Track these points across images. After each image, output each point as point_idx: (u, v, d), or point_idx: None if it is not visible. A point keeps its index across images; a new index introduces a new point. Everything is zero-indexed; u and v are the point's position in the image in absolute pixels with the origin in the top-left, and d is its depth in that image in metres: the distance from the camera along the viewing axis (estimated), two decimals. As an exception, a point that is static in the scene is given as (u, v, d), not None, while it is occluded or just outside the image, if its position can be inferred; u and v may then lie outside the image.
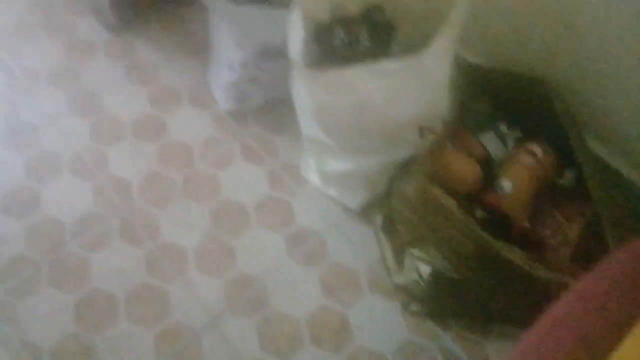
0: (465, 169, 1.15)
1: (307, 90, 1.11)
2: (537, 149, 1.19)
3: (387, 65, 1.00)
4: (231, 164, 1.45)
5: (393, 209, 1.28)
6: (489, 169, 1.21)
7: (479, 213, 1.13)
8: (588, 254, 1.15)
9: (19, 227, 1.30)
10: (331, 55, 1.23)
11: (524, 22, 1.28)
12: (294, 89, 1.19)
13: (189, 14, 1.72)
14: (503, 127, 1.29)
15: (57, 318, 1.19)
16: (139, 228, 1.33)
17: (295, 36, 1.06)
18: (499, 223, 1.13)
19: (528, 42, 1.31)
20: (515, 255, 1.00)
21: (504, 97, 1.29)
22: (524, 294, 1.09)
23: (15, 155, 1.42)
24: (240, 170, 1.44)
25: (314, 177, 1.39)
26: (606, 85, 1.23)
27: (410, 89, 1.02)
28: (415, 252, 1.23)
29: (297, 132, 1.35)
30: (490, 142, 1.28)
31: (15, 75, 1.58)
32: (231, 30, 1.35)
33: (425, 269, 1.21)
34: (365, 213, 1.37)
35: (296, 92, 1.18)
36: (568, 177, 1.22)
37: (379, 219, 1.33)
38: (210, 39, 1.50)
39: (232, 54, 1.38)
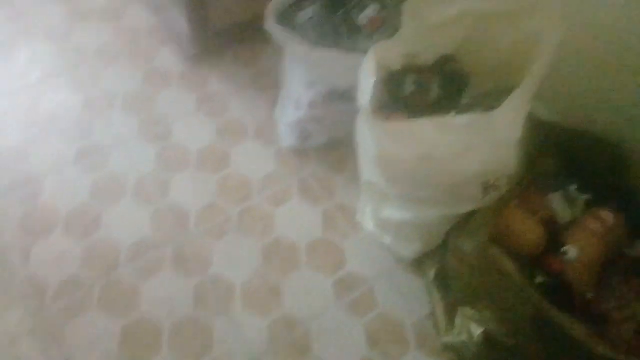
0: (528, 231, 1.10)
1: (372, 137, 1.09)
2: (608, 216, 1.12)
3: (457, 121, 0.97)
4: (288, 202, 1.45)
5: (448, 264, 1.23)
6: (554, 231, 1.14)
7: (540, 278, 1.07)
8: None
9: (78, 247, 1.35)
10: (400, 103, 1.22)
11: (604, 81, 1.23)
12: (358, 133, 1.18)
13: (263, 51, 1.77)
14: (573, 189, 1.22)
15: (102, 342, 1.21)
16: (191, 258, 1.34)
17: (366, 83, 1.06)
18: (560, 290, 1.06)
19: (606, 103, 1.25)
20: (576, 328, 0.93)
21: (576, 158, 1.23)
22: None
23: (83, 175, 1.48)
24: (296, 208, 1.44)
25: (369, 223, 1.37)
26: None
27: (478, 146, 0.99)
28: (468, 311, 1.17)
29: (356, 174, 1.34)
30: (558, 203, 1.21)
31: (94, 97, 1.66)
32: (302, 71, 1.37)
33: (477, 331, 1.15)
34: (418, 265, 1.33)
35: (360, 137, 1.17)
36: (639, 249, 1.14)
37: (432, 273, 1.29)
38: (281, 77, 1.53)
39: (300, 93, 1.40)
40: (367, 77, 1.07)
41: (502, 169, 1.07)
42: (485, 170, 1.05)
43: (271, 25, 1.32)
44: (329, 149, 1.53)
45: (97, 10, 1.92)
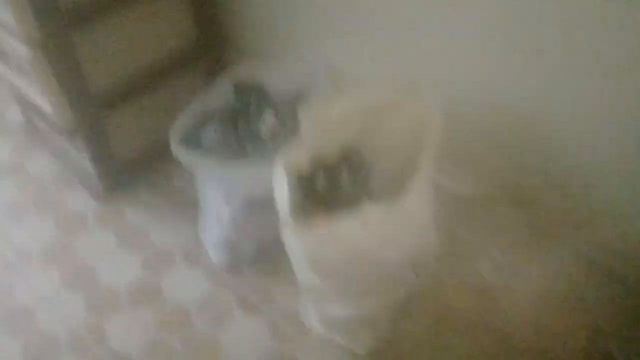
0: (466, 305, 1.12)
1: (298, 244, 1.10)
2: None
3: (372, 213, 1.00)
4: (230, 320, 1.41)
5: (403, 352, 1.23)
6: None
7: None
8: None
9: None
10: (315, 200, 1.24)
11: (494, 143, 1.32)
12: (285, 241, 1.18)
13: (174, 172, 1.76)
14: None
15: None
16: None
17: (281, 193, 1.07)
18: None
19: (501, 161, 1.33)
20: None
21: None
22: None
23: (11, 341, 1.39)
24: (239, 324, 1.40)
25: (315, 324, 1.35)
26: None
27: (398, 232, 1.01)
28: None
29: (292, 276, 1.32)
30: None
31: (7, 257, 1.58)
32: (216, 188, 1.37)
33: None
34: (375, 357, 1.31)
35: (288, 244, 1.17)
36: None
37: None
38: (198, 196, 1.53)
39: (220, 209, 1.39)
40: (280, 188, 1.08)
41: (427, 249, 1.09)
42: (410, 253, 1.07)
43: (176, 148, 1.32)
44: (261, 258, 1.51)
45: (-4, 165, 1.88)
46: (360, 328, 1.26)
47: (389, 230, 1.01)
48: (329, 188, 1.25)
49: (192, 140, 1.38)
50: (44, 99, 1.47)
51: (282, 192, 1.10)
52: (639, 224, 1.20)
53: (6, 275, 1.54)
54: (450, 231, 1.16)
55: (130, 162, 1.71)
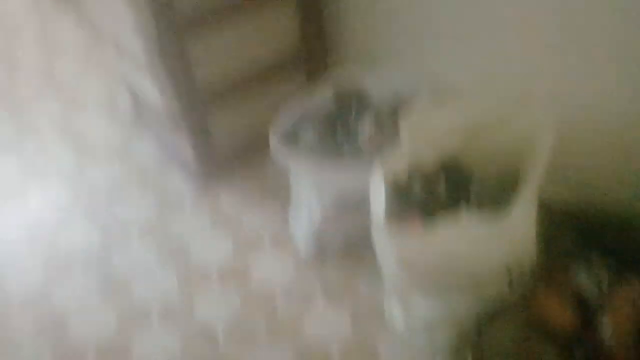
0: (561, 314, 1.11)
1: (391, 248, 1.13)
2: (636, 293, 1.14)
3: (473, 226, 1.01)
4: (313, 307, 1.46)
5: (485, 354, 1.24)
6: (585, 306, 1.16)
7: (579, 355, 1.07)
8: None
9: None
10: (410, 207, 1.26)
11: (608, 158, 1.29)
12: (376, 242, 1.22)
13: (270, 167, 1.82)
14: (596, 264, 1.25)
15: None
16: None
17: (377, 197, 1.11)
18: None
19: (614, 177, 1.31)
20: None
21: (594, 232, 1.27)
22: None
23: (108, 307, 1.50)
24: (322, 313, 1.45)
25: (398, 323, 1.38)
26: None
27: (496, 245, 1.03)
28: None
29: (378, 273, 1.36)
30: (583, 279, 1.23)
31: (111, 230, 1.70)
32: (310, 185, 1.43)
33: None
34: (456, 354, 1.33)
35: (379, 247, 1.21)
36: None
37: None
38: (291, 191, 1.59)
39: (312, 206, 1.45)
40: (377, 194, 1.12)
41: (524, 260, 1.10)
42: (506, 265, 1.08)
43: (275, 145, 1.39)
44: (348, 253, 1.56)
45: (102, 147, 2.02)
46: (443, 330, 1.28)
47: (487, 243, 1.03)
48: (425, 196, 1.26)
49: (291, 139, 1.44)
50: (153, 89, 1.58)
51: (378, 197, 1.13)
52: None
53: (107, 246, 1.66)
54: (547, 239, 1.15)
55: (229, 153, 1.80)
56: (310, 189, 1.44)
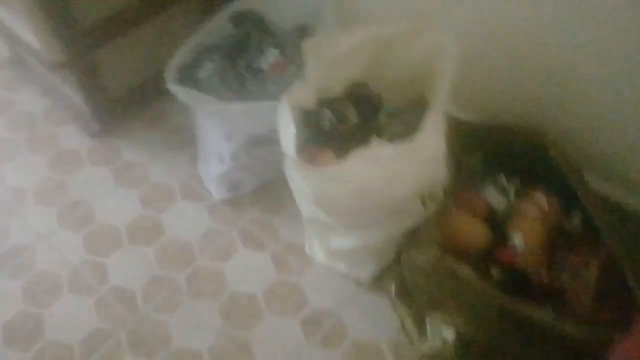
0: (475, 231, 1.14)
1: (303, 181, 1.09)
2: (541, 198, 1.18)
3: (383, 152, 0.99)
4: (233, 254, 1.42)
5: (406, 277, 1.26)
6: (496, 223, 1.19)
7: (496, 272, 1.11)
8: (609, 295, 1.13)
9: (24, 358, 1.25)
10: (322, 137, 1.23)
11: (510, 76, 1.30)
12: (289, 177, 1.18)
13: (170, 109, 1.72)
14: (501, 179, 1.28)
15: None
16: (149, 338, 1.28)
17: (287, 130, 1.06)
18: (517, 279, 1.11)
19: (516, 94, 1.32)
20: (543, 315, 0.98)
21: (498, 150, 1.29)
22: (554, 351, 1.06)
23: (11, 282, 1.38)
24: (243, 259, 1.41)
25: (320, 255, 1.37)
26: (595, 123, 1.24)
27: (409, 170, 1.01)
28: (436, 317, 1.19)
29: (295, 210, 1.33)
30: (492, 196, 1.27)
31: (2, 197, 1.55)
32: (216, 125, 1.35)
33: (449, 334, 1.17)
34: (378, 284, 1.35)
35: (292, 181, 1.17)
36: (575, 220, 1.21)
37: (393, 288, 1.31)
38: (196, 132, 1.50)
39: (220, 147, 1.38)
40: (286, 125, 1.07)
41: (436, 181, 1.10)
42: (419, 187, 1.07)
43: (172, 86, 1.29)
44: (263, 192, 1.52)
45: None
46: (364, 257, 1.29)
47: (400, 168, 1.01)
48: (336, 124, 1.23)
49: (189, 76, 1.35)
50: (31, 33, 1.41)
51: (287, 129, 1.08)
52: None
53: (1, 215, 1.52)
54: (456, 158, 1.16)
55: (124, 98, 1.67)
56: (217, 129, 1.36)
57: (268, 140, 1.33)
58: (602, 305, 1.12)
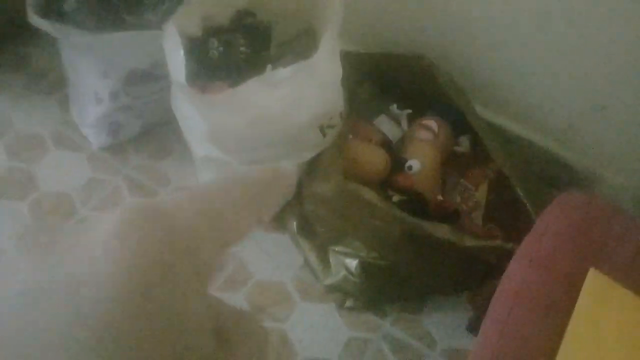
0: (373, 158, 1.15)
1: (197, 114, 1.02)
2: (432, 123, 1.21)
3: (279, 75, 0.95)
4: (120, 204, 1.31)
5: (307, 212, 1.24)
6: (392, 151, 1.21)
7: (395, 197, 1.13)
8: (498, 211, 1.20)
9: None
10: (210, 69, 1.15)
11: (395, 4, 1.30)
12: (178, 112, 1.10)
13: (32, 51, 1.53)
14: (393, 108, 1.30)
15: None
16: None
17: (175, 57, 0.97)
18: (414, 203, 1.14)
19: (401, 22, 1.33)
20: (442, 231, 1.01)
21: (388, 80, 1.30)
22: (452, 264, 1.11)
23: None
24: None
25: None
26: (474, 47, 1.29)
27: (306, 93, 0.98)
28: (339, 248, 1.21)
29: (185, 152, 1.25)
30: (385, 125, 1.28)
31: None
32: (89, 62, 1.21)
33: (352, 263, 1.19)
34: (278, 221, 1.32)
35: (183, 115, 1.09)
36: (464, 143, 1.27)
37: (294, 224, 1.29)
38: (65, 74, 1.35)
39: (96, 86, 1.25)
40: (172, 51, 0.98)
41: (334, 108, 1.08)
42: (318, 114, 1.05)
43: (34, 19, 1.14)
44: (148, 135, 1.41)
45: None
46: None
47: (297, 91, 0.98)
48: (225, 55, 1.16)
49: (54, 7, 1.19)
50: None
51: (175, 55, 1.00)
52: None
53: None
54: (348, 89, 1.15)
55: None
56: (91, 66, 1.23)
57: (150, 77, 1.23)
58: (493, 222, 1.19)
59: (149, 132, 1.41)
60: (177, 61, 0.97)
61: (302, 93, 0.98)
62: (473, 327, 1.17)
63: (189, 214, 0.20)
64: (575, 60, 1.18)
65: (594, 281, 0.69)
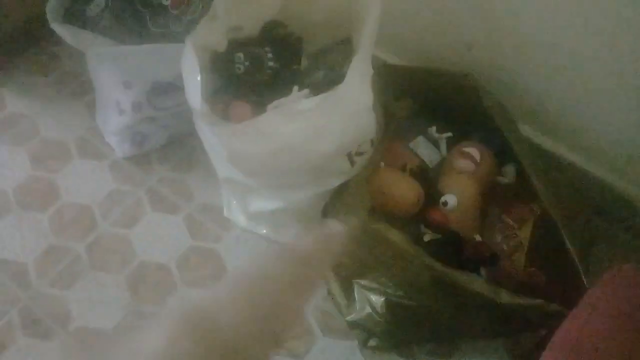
0: (406, 191, 1.04)
1: (216, 139, 0.95)
2: (474, 151, 1.10)
3: (304, 105, 0.86)
4: (141, 218, 1.26)
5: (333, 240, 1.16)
6: (427, 182, 1.11)
7: (427, 236, 1.03)
8: (543, 252, 1.09)
9: None
10: (235, 85, 1.08)
11: (441, 17, 1.19)
12: (200, 133, 1.03)
13: (62, 51, 1.49)
14: (432, 130, 1.19)
15: None
16: (46, 317, 1.13)
17: (192, 78, 0.90)
18: (449, 242, 1.03)
19: (447, 37, 1.21)
20: (477, 284, 0.91)
21: (428, 98, 1.19)
22: (488, 313, 1.01)
23: None
24: (153, 223, 1.26)
25: (239, 218, 1.24)
26: (529, 69, 1.16)
27: (332, 123, 0.89)
28: (365, 282, 1.11)
29: (210, 166, 1.18)
30: (423, 149, 1.18)
31: None
32: (114, 71, 1.16)
33: (378, 300, 1.10)
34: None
35: (204, 137, 1.02)
36: (509, 173, 1.15)
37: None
38: (91, 79, 1.30)
39: (119, 96, 1.19)
40: (190, 71, 0.91)
41: (363, 136, 0.99)
42: (345, 143, 0.96)
43: (56, 26, 1.09)
44: (173, 147, 1.35)
45: None
46: (287, 220, 1.17)
47: (322, 122, 0.89)
48: (252, 69, 1.08)
49: (76, 14, 1.15)
50: None
51: (192, 76, 0.93)
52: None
53: None
54: (386, 105, 1.05)
55: (5, 40, 1.42)
56: (113, 76, 1.18)
57: (175, 88, 1.16)
58: (536, 265, 1.08)
59: (175, 142, 1.35)
60: (194, 86, 0.89)
61: (327, 123, 0.89)
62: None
63: (233, 314, 0.20)
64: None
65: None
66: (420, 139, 1.19)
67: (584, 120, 1.17)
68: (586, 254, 1.08)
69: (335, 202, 1.11)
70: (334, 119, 0.89)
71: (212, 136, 0.97)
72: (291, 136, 0.88)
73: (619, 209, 1.23)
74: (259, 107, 1.02)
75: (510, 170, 1.15)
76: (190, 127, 1.13)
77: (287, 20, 1.11)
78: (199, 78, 0.88)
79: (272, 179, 1.05)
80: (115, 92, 1.20)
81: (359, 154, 1.01)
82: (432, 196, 1.06)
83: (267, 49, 1.08)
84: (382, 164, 1.08)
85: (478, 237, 1.04)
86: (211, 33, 1.00)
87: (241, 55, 1.06)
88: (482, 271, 1.01)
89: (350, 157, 1.00)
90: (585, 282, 0.89)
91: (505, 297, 0.89)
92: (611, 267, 0.68)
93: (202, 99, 0.89)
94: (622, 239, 1.24)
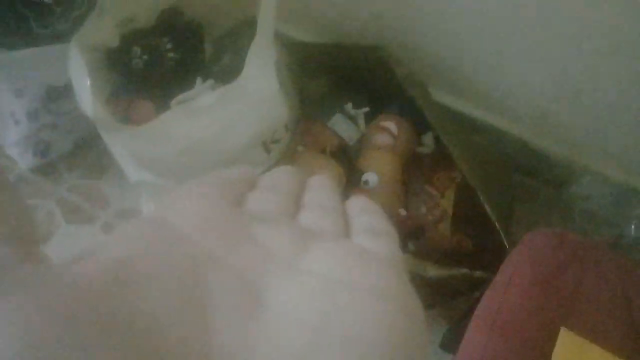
0: (324, 172, 1.02)
1: (119, 143, 0.89)
2: (391, 125, 1.08)
3: (204, 101, 0.81)
4: (55, 232, 1.19)
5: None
6: (348, 158, 1.09)
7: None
8: (468, 218, 1.09)
9: None
10: (135, 82, 1.01)
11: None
12: (104, 138, 0.96)
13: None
14: (348, 107, 1.17)
15: None
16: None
17: (80, 82, 0.83)
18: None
19: (357, 9, 1.18)
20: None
21: (344, 74, 1.16)
22: (418, 289, 1.01)
23: None
24: (68, 236, 1.19)
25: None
26: (439, 33, 1.15)
27: (238, 115, 0.85)
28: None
29: (122, 169, 1.12)
30: (341, 126, 1.16)
31: None
32: (1, 81, 1.06)
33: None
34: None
35: (107, 142, 0.96)
36: (428, 143, 1.14)
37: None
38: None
39: (11, 106, 1.10)
40: (78, 75, 0.84)
41: (275, 122, 0.95)
42: (257, 132, 0.92)
43: None
44: (81, 152, 1.27)
45: None
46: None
47: (230, 115, 0.85)
48: (151, 63, 1.02)
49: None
50: None
51: (80, 81, 0.86)
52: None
53: None
54: (299, 85, 1.02)
55: None
56: (2, 85, 1.08)
57: (72, 91, 1.08)
58: (462, 232, 1.08)
59: (82, 146, 1.27)
60: (84, 91, 0.82)
61: (232, 115, 0.85)
62: (447, 345, 1.08)
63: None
64: (550, 43, 1.05)
65: (566, 343, 0.59)
66: (338, 116, 1.17)
67: (498, 80, 1.18)
68: (509, 215, 1.10)
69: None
70: (239, 111, 0.84)
71: (113, 139, 0.91)
72: (197, 134, 0.84)
73: (537, 164, 1.26)
74: (164, 103, 0.96)
75: (430, 139, 1.15)
76: (96, 129, 1.06)
77: (185, 6, 1.04)
78: (88, 82, 0.82)
79: (186, 178, 0.99)
80: (6, 103, 1.10)
81: (276, 141, 0.98)
82: (354, 175, 1.04)
83: (165, 39, 1.02)
84: (300, 147, 1.05)
85: (403, 212, 1.03)
86: (100, 29, 0.92)
87: (138, 49, 1.00)
88: (410, 245, 1.01)
89: (265, 146, 0.97)
90: (506, 245, 0.90)
91: (431, 270, 0.89)
92: (528, 233, 0.69)
93: (94, 104, 0.82)
94: (544, 194, 1.28)
